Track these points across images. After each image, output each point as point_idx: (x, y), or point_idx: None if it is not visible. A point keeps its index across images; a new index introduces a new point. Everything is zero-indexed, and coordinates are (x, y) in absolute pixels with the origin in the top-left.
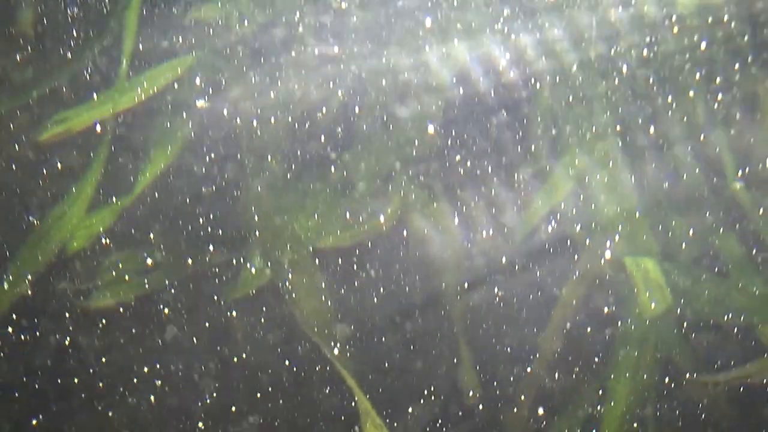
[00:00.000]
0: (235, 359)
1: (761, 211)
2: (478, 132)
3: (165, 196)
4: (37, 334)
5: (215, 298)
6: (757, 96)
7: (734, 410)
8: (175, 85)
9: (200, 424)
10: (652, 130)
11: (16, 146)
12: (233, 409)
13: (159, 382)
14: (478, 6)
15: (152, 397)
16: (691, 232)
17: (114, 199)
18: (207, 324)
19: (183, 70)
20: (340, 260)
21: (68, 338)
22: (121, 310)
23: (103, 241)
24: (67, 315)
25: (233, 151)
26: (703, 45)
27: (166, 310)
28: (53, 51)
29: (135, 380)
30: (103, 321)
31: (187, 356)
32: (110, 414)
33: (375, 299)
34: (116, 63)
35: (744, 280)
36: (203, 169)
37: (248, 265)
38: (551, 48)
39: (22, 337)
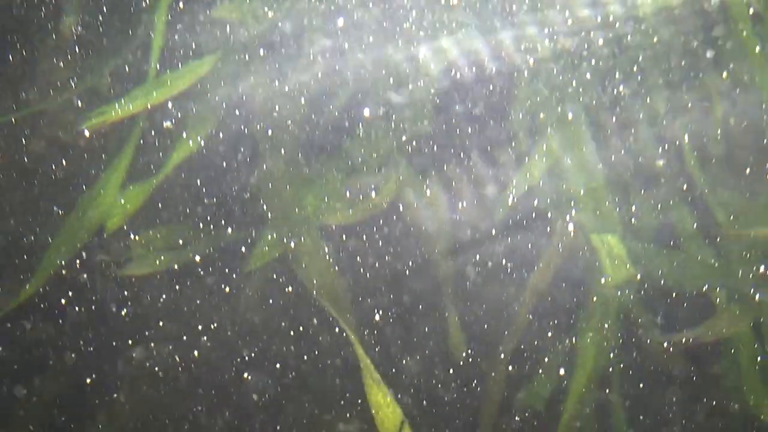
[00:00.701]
0: (253, 321)
1: (712, 190)
2: (465, 120)
3: (188, 178)
4: (79, 301)
5: (236, 267)
6: (707, 86)
7: (687, 366)
8: (200, 82)
9: (223, 376)
10: (616, 116)
11: (62, 135)
12: (249, 363)
13: (185, 338)
14: (463, 7)
15: (179, 352)
16: (650, 209)
17: (143, 181)
18: (227, 290)
19: (207, 69)
20: (343, 234)
21: (105, 306)
22: (152, 279)
23: (136, 218)
24: (104, 284)
25: (251, 140)
26: (662, 41)
27: (193, 280)
28: (92, 52)
29: (165, 337)
30: (135, 289)
31: (209, 320)
32: (140, 365)
33: (374, 267)
34: (147, 61)
35: (697, 253)
36: (224, 155)
37: (264, 239)
38: (528, 44)
39: (64, 304)
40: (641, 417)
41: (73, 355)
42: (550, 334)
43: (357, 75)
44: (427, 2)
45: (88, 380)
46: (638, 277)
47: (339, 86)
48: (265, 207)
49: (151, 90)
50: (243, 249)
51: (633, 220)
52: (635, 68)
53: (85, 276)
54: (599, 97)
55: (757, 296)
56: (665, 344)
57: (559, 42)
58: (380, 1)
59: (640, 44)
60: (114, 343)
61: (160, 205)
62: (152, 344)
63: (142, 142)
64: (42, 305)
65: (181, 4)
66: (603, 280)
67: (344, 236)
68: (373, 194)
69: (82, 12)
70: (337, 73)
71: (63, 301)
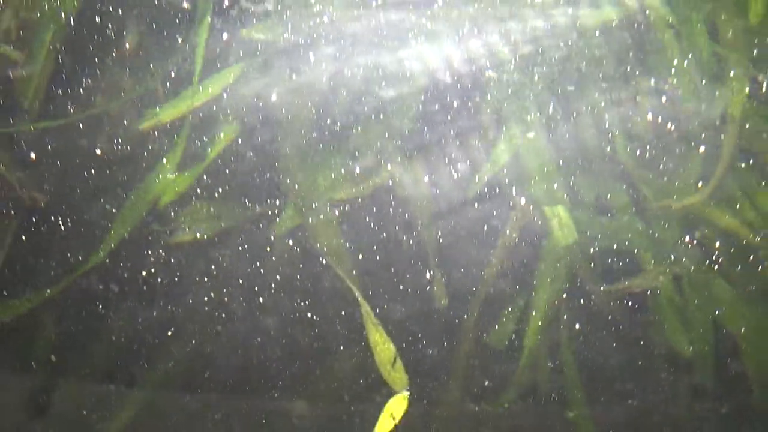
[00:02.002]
0: (276, 277)
1: (639, 170)
2: (445, 113)
3: (227, 164)
4: (139, 262)
5: (263, 235)
6: (637, 86)
7: (622, 311)
8: (232, 86)
9: (250, 320)
10: (564, 110)
11: (125, 132)
12: (271, 310)
13: (221, 291)
14: (441, 17)
15: (215, 301)
16: (591, 185)
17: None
18: (256, 253)
19: (237, 75)
20: (348, 207)
21: (158, 265)
22: (195, 244)
23: (184, 196)
24: (157, 249)
25: (273, 130)
26: (602, 48)
27: (228, 245)
28: (147, 63)
29: (205, 289)
30: (183, 253)
31: (240, 276)
32: (187, 311)
33: (372, 234)
34: (192, 70)
35: (627, 221)
36: (252, 144)
37: (285, 212)
38: (493, 52)
39: (127, 268)
40: (585, 352)
41: (134, 304)
42: (513, 286)
43: (356, 79)
44: (414, 20)
45: (146, 325)
46: (581, 240)
47: (342, 88)
48: (285, 186)
49: (194, 94)
50: (268, 220)
51: (577, 194)
52: (580, 71)
53: (143, 242)
54: (550, 95)
55: (673, 256)
56: (603, 294)
57: (518, 49)
58: (373, 20)
59: (584, 50)
60: (166, 295)
61: (202, 185)
62: (194, 296)
63: (191, 135)
64: (110, 266)
65: (217, 25)
66: (554, 243)
67: (349, 209)
68: (371, 175)
69: (139, 31)
70: (341, 78)
71: (128, 262)
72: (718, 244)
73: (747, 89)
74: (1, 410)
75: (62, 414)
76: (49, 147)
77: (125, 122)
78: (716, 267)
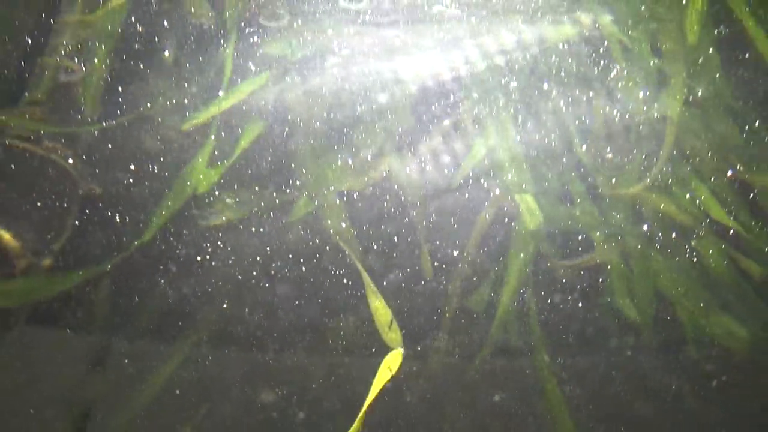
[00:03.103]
0: (292, 255)
1: (594, 163)
2: (431, 115)
3: (250, 159)
4: (179, 241)
5: (281, 219)
6: (594, 92)
7: (579, 280)
8: (256, 92)
9: (269, 290)
10: (532, 112)
11: (168, 133)
12: (288, 282)
13: (245, 265)
14: (428, 34)
15: (240, 273)
16: (554, 176)
17: (221, 162)
18: (273, 235)
19: (261, 83)
20: (352, 195)
21: (195, 244)
22: (225, 226)
23: (216, 186)
24: (195, 230)
25: (289, 130)
26: (563, 59)
27: (252, 228)
28: (185, 73)
29: (232, 264)
30: (215, 233)
31: (261, 254)
32: (219, 280)
33: (372, 217)
34: (221, 80)
35: (584, 206)
36: (270, 143)
37: (299, 200)
38: (471, 62)
39: (170, 245)
40: (548, 315)
41: (175, 275)
42: (489, 260)
43: (357, 86)
44: (404, 37)
45: (185, 292)
46: (545, 223)
47: (346, 94)
48: (299, 179)
49: (224, 99)
50: (285, 207)
51: (543, 184)
52: (544, 79)
53: (183, 225)
54: (520, 99)
55: (621, 236)
56: (563, 267)
57: (494, 60)
58: (370, 35)
59: (548, 62)
60: (201, 268)
61: (231, 177)
62: (224, 269)
63: (221, 134)
64: (156, 244)
65: (242, 41)
66: (523, 225)
67: (352, 197)
68: (371, 168)
69: (178, 47)
70: (344, 85)
71: (171, 241)
72: (658, 224)
73: (683, 96)
74: (66, 364)
75: (116, 367)
76: (104, 145)
77: (170, 124)
78: (656, 244)
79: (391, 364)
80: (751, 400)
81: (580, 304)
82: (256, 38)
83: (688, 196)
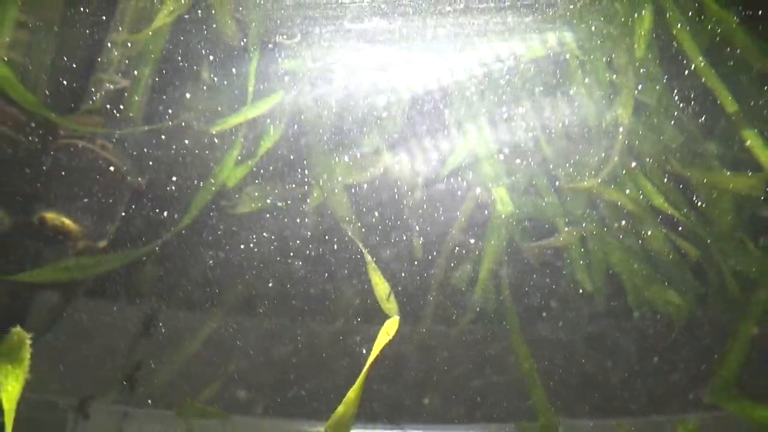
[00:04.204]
0: (307, 236)
1: (556, 159)
2: (421, 120)
3: (272, 158)
4: (212, 225)
5: (298, 207)
6: (557, 101)
7: (544, 262)
8: (275, 105)
9: (282, 269)
10: (504, 117)
11: (202, 136)
12: (303, 257)
13: (268, 244)
14: (418, 49)
15: (263, 250)
16: (523, 172)
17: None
18: (290, 222)
19: (278, 99)
20: (356, 188)
21: (224, 226)
22: (250, 215)
23: (243, 181)
24: (224, 217)
25: (304, 135)
26: (531, 73)
27: (274, 215)
28: (217, 90)
29: (256, 243)
30: (242, 221)
31: (282, 234)
32: (244, 257)
33: (372, 206)
34: (245, 94)
35: (549, 199)
36: (287, 146)
37: (314, 191)
38: (455, 73)
39: (204, 231)
40: (518, 289)
41: (208, 255)
42: (469, 243)
43: (359, 95)
44: (396, 52)
45: (217, 269)
46: (516, 211)
47: (350, 102)
48: (312, 174)
49: (249, 110)
50: (300, 198)
51: (514, 179)
52: (516, 89)
53: (214, 213)
54: (495, 107)
55: (579, 223)
56: (533, 249)
57: (473, 73)
58: (369, 51)
59: (519, 74)
60: (230, 249)
61: (255, 173)
62: (249, 250)
63: (246, 138)
64: (192, 229)
65: (264, 59)
66: (497, 213)
67: (356, 189)
68: (371, 165)
69: (210, 69)
70: (348, 95)
71: (205, 227)
72: (611, 213)
73: (632, 104)
74: (118, 329)
75: (161, 333)
76: (148, 146)
77: (203, 129)
78: (609, 229)
79: (388, 329)
80: (685, 359)
81: (544, 278)
82: (275, 55)
83: (635, 188)
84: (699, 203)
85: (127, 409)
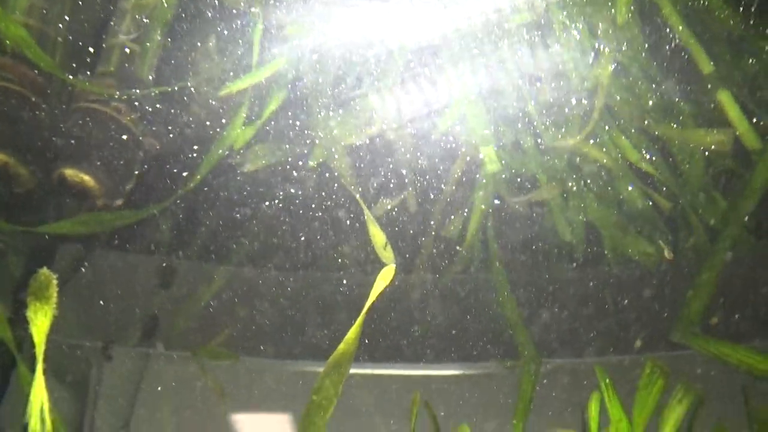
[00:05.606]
0: (311, 191)
1: (541, 121)
2: (417, 85)
3: (276, 120)
4: (221, 181)
5: (301, 165)
6: (542, 63)
7: (527, 214)
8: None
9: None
10: (495, 81)
11: (209, 100)
12: (307, 210)
13: (272, 197)
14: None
15: (267, 204)
16: (508, 132)
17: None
18: (295, 178)
19: (282, 63)
20: (355, 147)
21: (232, 184)
22: (257, 171)
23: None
24: (233, 174)
25: (306, 98)
26: (522, 37)
27: (278, 172)
28: (224, 55)
29: (261, 197)
30: (249, 178)
31: (286, 190)
32: (249, 210)
33: (369, 164)
34: (251, 62)
35: (532, 153)
36: (290, 107)
37: (315, 150)
38: (448, 40)
39: (215, 187)
40: (504, 239)
41: (220, 209)
42: (460, 197)
43: (357, 61)
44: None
45: (227, 222)
46: (502, 167)
47: (349, 67)
48: (314, 135)
49: (254, 75)
50: (303, 157)
51: (501, 139)
52: (505, 53)
53: (224, 171)
54: (485, 70)
55: (560, 178)
56: (516, 202)
57: (465, 40)
58: (363, 13)
59: (507, 39)
60: (240, 203)
61: (261, 134)
62: (257, 204)
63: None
64: (204, 185)
65: (268, 27)
66: (485, 170)
67: (355, 148)
68: (369, 126)
69: (217, 31)
70: (347, 60)
71: (215, 183)
72: (589, 168)
73: (612, 67)
74: (136, 284)
75: (177, 285)
76: (160, 108)
77: (211, 92)
78: (588, 183)
79: (385, 276)
80: (656, 303)
81: (528, 231)
82: (280, 18)
83: (613, 145)
84: (672, 159)
85: (149, 351)
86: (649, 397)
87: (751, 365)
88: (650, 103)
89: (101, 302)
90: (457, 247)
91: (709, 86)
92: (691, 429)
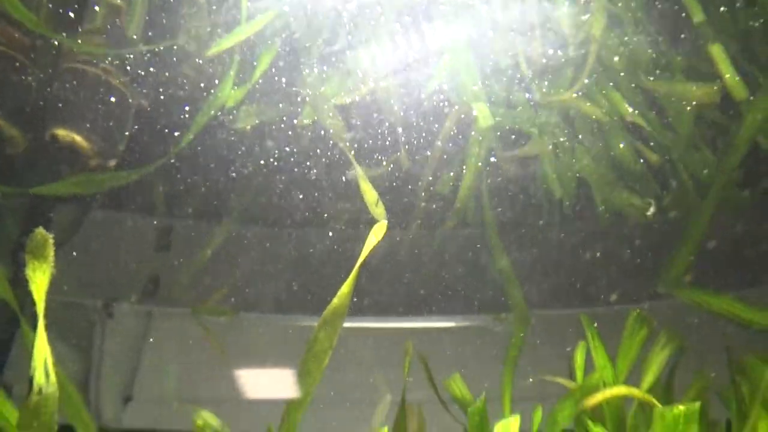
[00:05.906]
0: (302, 146)
1: (534, 77)
2: (407, 44)
3: (266, 81)
4: (212, 137)
5: (293, 123)
6: (532, 19)
7: (518, 169)
8: (266, 26)
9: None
10: (487, 40)
11: (196, 60)
12: (301, 163)
13: (264, 151)
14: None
15: (260, 157)
16: (501, 91)
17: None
18: (285, 136)
19: (271, 17)
20: (345, 106)
21: (223, 138)
22: (248, 129)
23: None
24: (223, 130)
25: (296, 56)
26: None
27: (270, 129)
28: (209, 12)
29: (253, 150)
30: (240, 135)
31: (278, 145)
32: (239, 174)
33: (361, 123)
34: (239, 15)
35: (525, 109)
36: (281, 67)
37: (307, 108)
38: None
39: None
40: (496, 195)
41: (212, 166)
42: (453, 153)
43: (348, 19)
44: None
45: (221, 179)
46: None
47: (339, 28)
48: (304, 94)
49: (242, 30)
50: (294, 115)
51: (493, 95)
52: (495, 11)
53: (216, 128)
54: (477, 30)
55: (551, 133)
56: (508, 157)
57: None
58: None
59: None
60: (232, 160)
61: (252, 93)
62: (248, 161)
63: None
64: (200, 142)
65: None
66: (478, 126)
67: (345, 107)
68: (359, 86)
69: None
70: (338, 19)
71: (207, 141)
72: (581, 124)
73: (604, 19)
74: (136, 246)
75: (175, 246)
76: (150, 68)
77: (198, 51)
78: (579, 138)
79: (377, 232)
80: (644, 255)
81: (519, 186)
82: None
83: (604, 100)
84: (663, 113)
85: (149, 309)
86: (633, 346)
87: (735, 314)
88: (642, 57)
89: (100, 262)
90: (450, 204)
91: (701, 37)
92: (672, 375)
